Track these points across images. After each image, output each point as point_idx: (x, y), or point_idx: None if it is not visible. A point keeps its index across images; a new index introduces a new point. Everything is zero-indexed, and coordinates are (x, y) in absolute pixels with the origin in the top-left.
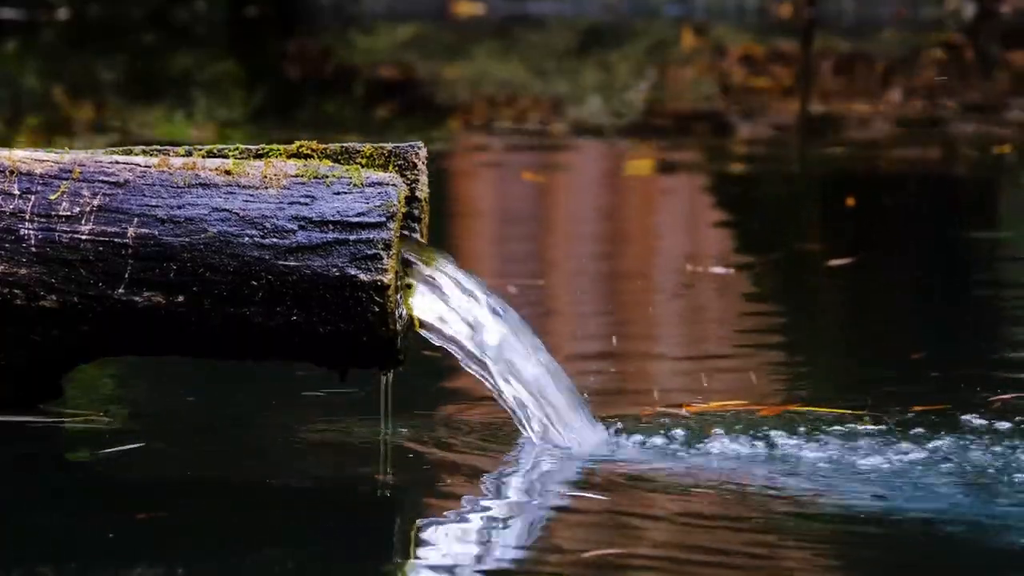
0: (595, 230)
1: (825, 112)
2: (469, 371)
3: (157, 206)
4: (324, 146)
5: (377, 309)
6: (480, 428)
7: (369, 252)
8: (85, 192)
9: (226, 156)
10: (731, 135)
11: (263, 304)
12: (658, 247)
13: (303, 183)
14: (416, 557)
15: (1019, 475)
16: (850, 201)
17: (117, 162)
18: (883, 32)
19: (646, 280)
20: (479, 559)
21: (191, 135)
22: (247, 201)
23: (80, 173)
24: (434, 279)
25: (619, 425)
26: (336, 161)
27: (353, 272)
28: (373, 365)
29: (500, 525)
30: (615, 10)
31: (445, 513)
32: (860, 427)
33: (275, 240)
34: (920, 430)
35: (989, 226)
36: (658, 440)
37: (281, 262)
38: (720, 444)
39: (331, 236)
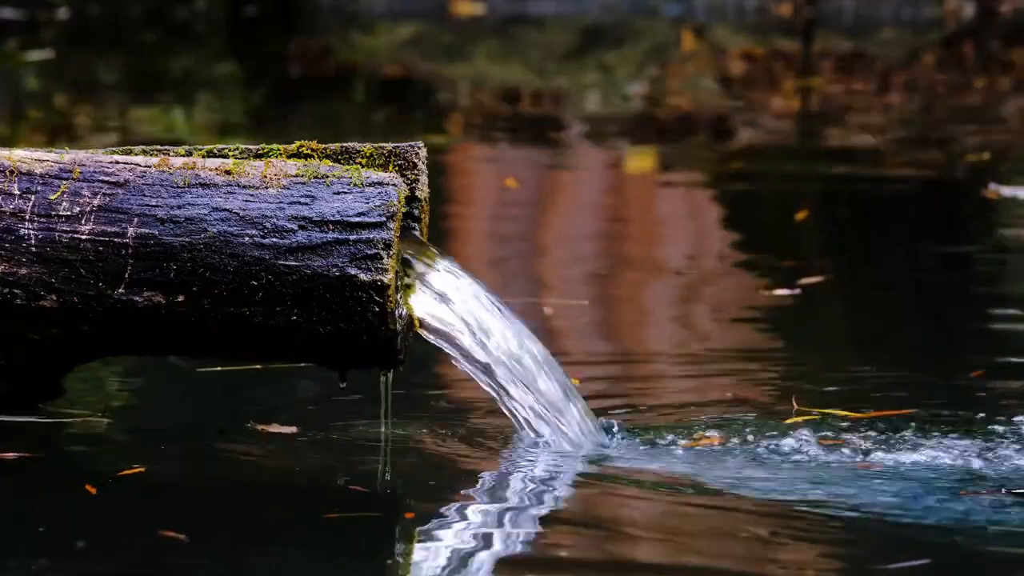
0: (596, 239)
1: (824, 110)
2: (468, 371)
3: (157, 206)
4: (324, 146)
5: (377, 309)
6: (480, 428)
7: (369, 252)
8: (85, 192)
9: (226, 156)
10: (730, 136)
11: (263, 304)
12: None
13: (303, 183)
14: (416, 557)
15: None
16: (800, 215)
17: (117, 162)
18: (883, 31)
19: (708, 301)
20: (479, 559)
21: (190, 134)
22: (247, 201)
23: (80, 173)
24: (434, 279)
25: (619, 425)
26: (336, 161)
27: (353, 272)
28: (373, 365)
29: (500, 525)
30: (615, 10)
31: (445, 513)
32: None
33: (275, 240)
34: (968, 438)
35: (972, 239)
36: (661, 441)
37: (281, 262)
38: (723, 446)
39: (331, 236)
